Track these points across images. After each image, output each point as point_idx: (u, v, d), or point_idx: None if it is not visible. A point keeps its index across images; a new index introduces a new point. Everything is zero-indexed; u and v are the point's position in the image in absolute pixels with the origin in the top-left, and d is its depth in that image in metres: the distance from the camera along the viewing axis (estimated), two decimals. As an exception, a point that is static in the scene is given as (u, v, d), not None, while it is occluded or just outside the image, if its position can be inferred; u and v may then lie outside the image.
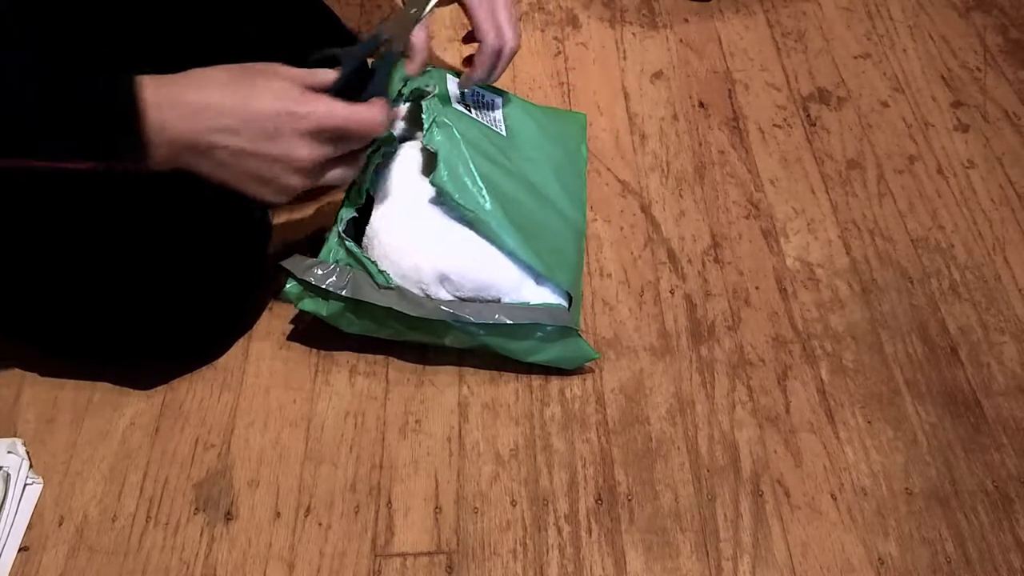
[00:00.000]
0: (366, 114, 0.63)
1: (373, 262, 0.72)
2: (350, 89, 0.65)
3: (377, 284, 0.72)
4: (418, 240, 0.72)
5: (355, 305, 0.73)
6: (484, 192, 0.72)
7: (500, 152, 0.76)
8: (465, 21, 0.75)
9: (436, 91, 0.74)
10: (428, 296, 0.72)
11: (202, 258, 0.74)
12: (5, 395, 0.76)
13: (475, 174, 0.72)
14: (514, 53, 0.75)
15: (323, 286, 0.72)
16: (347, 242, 0.73)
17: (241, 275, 0.78)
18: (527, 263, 0.74)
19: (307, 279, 0.72)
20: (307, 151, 0.61)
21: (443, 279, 0.72)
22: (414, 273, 0.72)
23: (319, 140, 0.62)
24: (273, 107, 0.60)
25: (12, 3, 0.64)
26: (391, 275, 0.72)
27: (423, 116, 0.73)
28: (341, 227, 0.73)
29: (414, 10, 0.70)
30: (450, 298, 0.73)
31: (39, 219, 0.68)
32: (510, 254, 0.73)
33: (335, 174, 0.65)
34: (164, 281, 0.72)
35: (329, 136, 0.62)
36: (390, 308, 0.71)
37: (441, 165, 0.71)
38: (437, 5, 0.71)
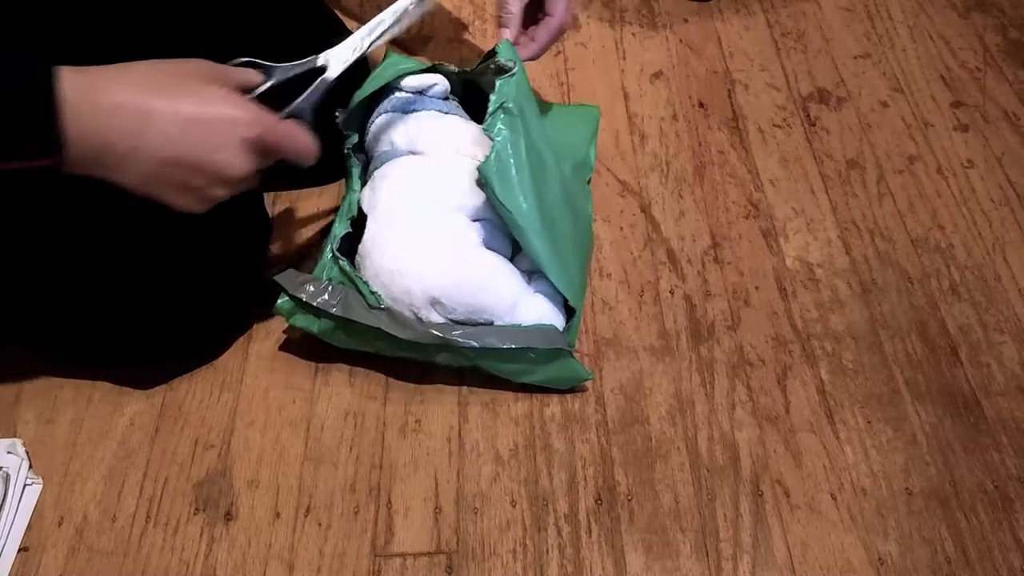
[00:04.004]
0: (303, 139, 0.62)
1: (365, 282, 0.72)
2: (271, 101, 0.63)
3: (368, 305, 0.72)
4: (409, 264, 0.71)
5: (346, 324, 0.72)
6: (527, 194, 0.71)
7: (541, 152, 0.75)
8: (465, 21, 0.75)
9: (516, 70, 0.73)
10: (419, 319, 0.72)
11: (203, 258, 0.74)
12: (5, 395, 0.76)
13: (524, 172, 0.71)
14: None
15: (314, 303, 0.72)
16: (341, 261, 0.73)
17: (241, 275, 0.78)
18: (550, 278, 0.73)
19: (299, 295, 0.72)
20: (242, 162, 0.59)
21: (434, 303, 0.71)
22: (405, 297, 0.71)
23: (255, 152, 0.60)
24: (219, 113, 0.58)
25: (11, 3, 0.64)
26: (383, 296, 0.71)
27: (492, 97, 0.72)
28: (335, 244, 0.73)
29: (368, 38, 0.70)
30: (442, 321, 0.72)
31: (38, 218, 0.68)
32: (538, 260, 0.72)
33: (247, 185, 0.62)
34: (164, 281, 0.72)
35: (263, 150, 0.60)
36: (380, 329, 0.71)
37: (492, 154, 0.69)
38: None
